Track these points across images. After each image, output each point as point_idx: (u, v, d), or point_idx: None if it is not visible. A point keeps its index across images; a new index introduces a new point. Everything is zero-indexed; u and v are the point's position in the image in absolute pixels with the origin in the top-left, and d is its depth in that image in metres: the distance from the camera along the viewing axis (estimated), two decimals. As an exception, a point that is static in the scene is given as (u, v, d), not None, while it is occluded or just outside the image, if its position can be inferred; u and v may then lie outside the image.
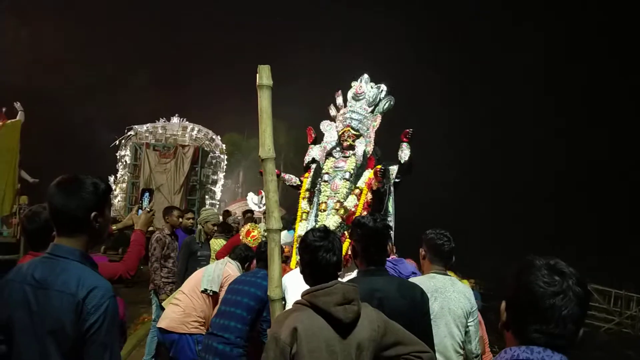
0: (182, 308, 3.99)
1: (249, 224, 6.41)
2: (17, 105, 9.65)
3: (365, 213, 3.69)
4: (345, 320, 1.90)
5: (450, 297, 2.86)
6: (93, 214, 1.76)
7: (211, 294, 4.03)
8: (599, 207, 30.33)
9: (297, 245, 3.63)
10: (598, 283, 13.16)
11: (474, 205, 32.12)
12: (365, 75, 4.55)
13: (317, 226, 2.75)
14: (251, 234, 5.50)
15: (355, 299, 1.96)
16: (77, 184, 1.78)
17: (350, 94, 4.52)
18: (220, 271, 4.12)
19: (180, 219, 5.82)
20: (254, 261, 4.15)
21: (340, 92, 4.61)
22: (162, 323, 3.99)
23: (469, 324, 2.89)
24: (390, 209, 4.18)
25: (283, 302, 2.82)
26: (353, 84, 4.55)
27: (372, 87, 4.46)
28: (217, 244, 6.45)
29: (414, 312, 2.37)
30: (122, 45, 32.43)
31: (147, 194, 3.08)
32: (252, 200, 7.50)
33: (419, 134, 4.31)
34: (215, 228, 5.86)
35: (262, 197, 6.24)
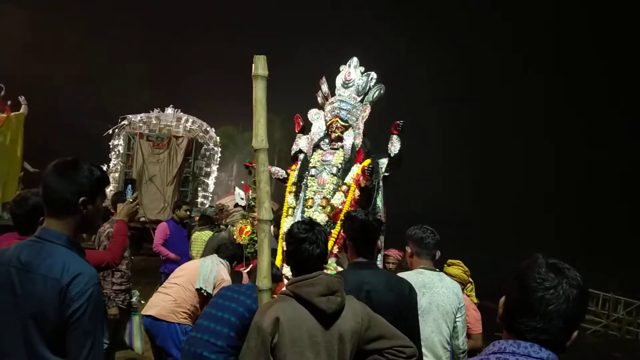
0: (174, 298, 3.99)
1: (240, 221, 6.39)
2: (22, 98, 10.16)
3: None
4: (327, 311, 1.90)
5: (438, 292, 2.87)
6: (82, 199, 1.74)
7: (205, 294, 4.00)
8: (598, 208, 30.33)
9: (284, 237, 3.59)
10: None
11: (467, 199, 32.09)
12: (355, 59, 4.31)
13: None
14: (244, 231, 5.46)
15: (339, 291, 1.97)
16: (72, 166, 1.76)
17: (339, 81, 4.30)
18: (217, 272, 4.09)
19: (189, 212, 6.84)
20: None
21: (324, 79, 4.44)
22: (153, 311, 3.97)
23: (457, 319, 2.91)
24: (379, 204, 4.03)
25: None
26: (342, 68, 4.33)
27: (361, 74, 4.26)
28: (204, 235, 6.47)
29: (402, 306, 2.38)
30: (118, 35, 32.17)
31: (129, 185, 3.08)
32: (239, 195, 7.44)
33: (410, 126, 4.18)
34: None
35: (248, 193, 6.25)
